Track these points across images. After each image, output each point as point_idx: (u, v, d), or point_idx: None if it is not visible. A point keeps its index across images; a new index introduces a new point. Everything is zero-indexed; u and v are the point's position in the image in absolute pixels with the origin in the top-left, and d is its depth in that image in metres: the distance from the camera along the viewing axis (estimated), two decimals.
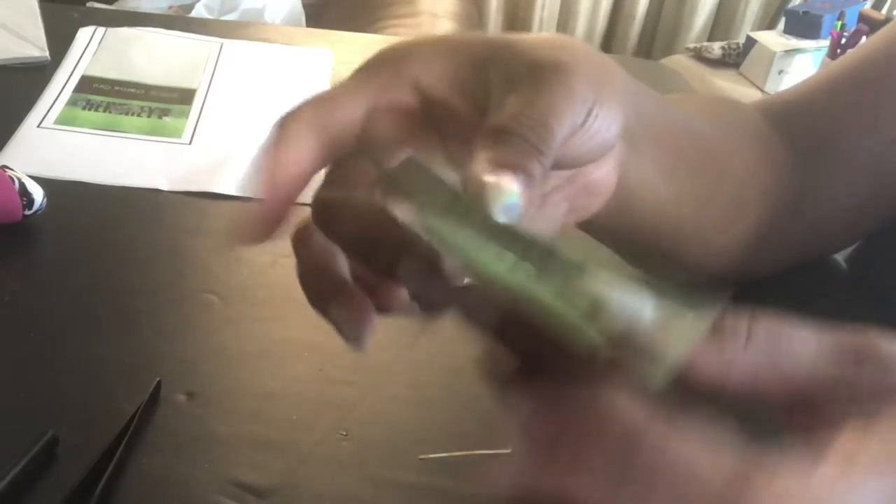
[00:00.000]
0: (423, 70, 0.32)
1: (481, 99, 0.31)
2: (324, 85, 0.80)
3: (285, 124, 0.30)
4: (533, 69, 0.30)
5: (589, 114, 0.31)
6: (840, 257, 0.65)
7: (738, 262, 0.53)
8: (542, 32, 2.40)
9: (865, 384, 0.26)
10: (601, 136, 0.32)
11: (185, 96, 0.76)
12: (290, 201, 0.31)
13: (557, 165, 0.31)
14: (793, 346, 0.26)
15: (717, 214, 0.49)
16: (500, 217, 0.25)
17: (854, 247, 0.66)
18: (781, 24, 2.28)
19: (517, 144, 0.27)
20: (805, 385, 0.26)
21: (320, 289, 0.34)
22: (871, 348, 0.27)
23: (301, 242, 0.34)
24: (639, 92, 0.39)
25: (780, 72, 2.15)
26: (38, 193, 0.56)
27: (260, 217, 0.32)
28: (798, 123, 0.55)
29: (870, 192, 0.55)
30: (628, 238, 0.44)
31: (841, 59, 0.57)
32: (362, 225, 0.30)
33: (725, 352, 0.25)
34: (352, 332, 0.33)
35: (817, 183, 0.55)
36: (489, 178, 0.26)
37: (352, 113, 0.31)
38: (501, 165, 0.26)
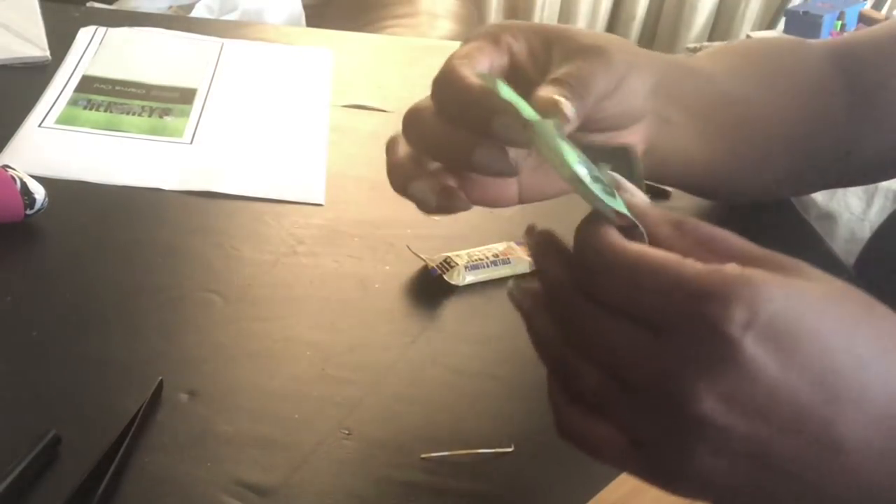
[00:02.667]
0: (514, 42, 0.44)
1: (544, 68, 0.43)
2: (324, 85, 0.80)
3: (450, 71, 0.41)
4: (581, 49, 0.42)
5: (620, 82, 0.42)
6: (842, 257, 0.65)
7: (776, 193, 0.62)
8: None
9: (776, 264, 0.32)
10: (629, 102, 0.44)
11: (185, 96, 0.76)
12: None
13: (593, 126, 0.43)
14: (729, 239, 0.34)
15: (745, 165, 0.55)
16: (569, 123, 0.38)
17: (861, 251, 0.66)
18: (781, 24, 2.28)
19: (567, 88, 0.39)
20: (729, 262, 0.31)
21: (402, 175, 0.43)
22: (790, 259, 0.33)
23: (391, 147, 0.45)
24: (670, 69, 0.48)
25: None
26: (39, 193, 0.56)
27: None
28: (858, 65, 0.59)
29: None
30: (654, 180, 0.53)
31: None
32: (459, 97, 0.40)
33: (680, 228, 0.34)
34: (429, 201, 0.42)
35: (864, 121, 0.58)
36: (554, 96, 0.38)
37: (483, 66, 0.42)
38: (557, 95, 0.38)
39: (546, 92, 0.39)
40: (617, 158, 0.38)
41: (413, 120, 0.44)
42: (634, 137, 0.47)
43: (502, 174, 0.40)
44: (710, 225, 0.34)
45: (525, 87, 0.41)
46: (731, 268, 0.30)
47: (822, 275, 0.32)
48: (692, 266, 0.30)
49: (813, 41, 0.61)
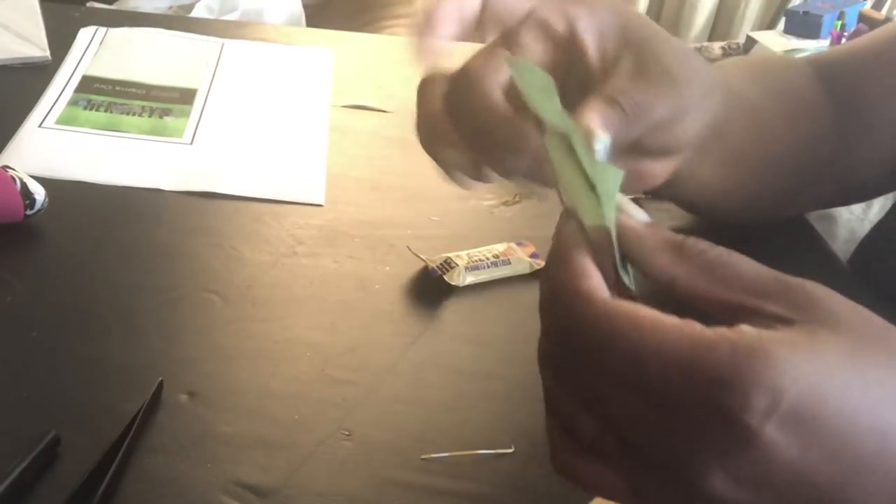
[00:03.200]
0: (583, 16, 0.40)
1: (610, 64, 0.41)
2: (324, 85, 0.80)
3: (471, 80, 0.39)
4: (656, 71, 0.40)
5: (678, 119, 0.41)
6: (842, 257, 0.65)
7: (768, 213, 0.61)
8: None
9: (791, 302, 0.29)
10: (676, 138, 0.43)
11: (185, 96, 0.76)
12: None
13: (622, 149, 0.40)
14: (737, 266, 0.31)
15: (757, 186, 0.55)
16: (596, 153, 0.35)
17: (856, 247, 0.66)
18: (781, 24, 2.28)
19: (619, 112, 0.38)
20: (736, 300, 0.29)
21: (435, 133, 0.41)
22: (805, 289, 0.29)
23: (425, 91, 0.43)
24: (724, 102, 0.46)
25: None
26: (39, 193, 0.56)
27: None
28: (841, 80, 0.58)
29: None
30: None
31: (890, 24, 0.60)
32: (485, 114, 0.38)
33: (681, 253, 0.31)
34: (458, 174, 0.41)
35: (853, 137, 0.58)
36: (596, 126, 0.36)
37: (518, 5, 0.40)
38: (606, 120, 0.37)
39: (594, 111, 0.37)
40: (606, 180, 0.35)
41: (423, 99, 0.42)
42: (663, 166, 0.45)
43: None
44: (714, 247, 0.31)
45: (578, 73, 0.40)
46: (748, 337, 0.27)
47: (845, 312, 0.29)
48: (702, 339, 0.27)
49: (798, 59, 0.62)
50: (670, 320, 0.28)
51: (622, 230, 0.31)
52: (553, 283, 0.30)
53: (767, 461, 0.27)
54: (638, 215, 0.33)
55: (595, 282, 0.29)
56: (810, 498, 0.28)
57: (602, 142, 0.35)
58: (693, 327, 0.28)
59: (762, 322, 0.28)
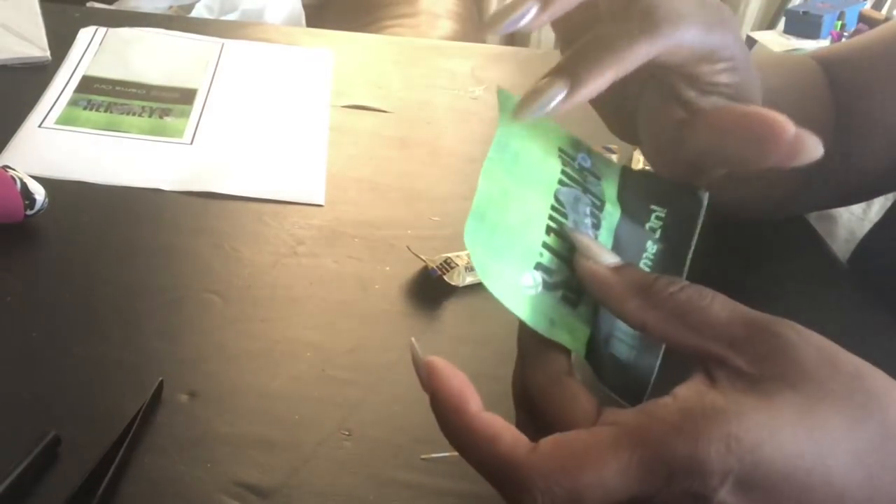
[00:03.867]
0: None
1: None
2: (324, 85, 0.80)
3: None
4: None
5: (735, 53, 0.36)
6: (842, 257, 0.65)
7: (774, 209, 0.60)
8: (541, 34, 2.40)
9: (756, 353, 0.29)
10: (746, 72, 0.38)
11: (186, 96, 0.76)
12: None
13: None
14: (707, 310, 0.30)
15: (753, 189, 0.54)
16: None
17: (855, 247, 0.66)
18: (781, 24, 2.28)
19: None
20: (704, 348, 0.30)
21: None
22: (773, 335, 0.29)
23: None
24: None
25: None
26: (39, 193, 0.56)
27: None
28: (842, 77, 0.58)
29: None
30: None
31: (890, 22, 0.60)
32: None
33: (650, 298, 0.30)
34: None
35: (853, 135, 0.58)
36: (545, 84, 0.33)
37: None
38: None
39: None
40: (678, 201, 0.34)
41: None
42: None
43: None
44: (684, 287, 0.31)
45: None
46: (700, 410, 0.28)
47: (811, 361, 0.29)
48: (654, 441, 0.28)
49: (800, 55, 0.62)
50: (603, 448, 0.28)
51: (589, 277, 0.32)
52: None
53: (765, 482, 0.27)
54: (606, 258, 0.33)
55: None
56: None
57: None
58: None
59: (728, 373, 0.29)
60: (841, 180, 0.60)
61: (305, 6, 1.56)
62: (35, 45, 0.79)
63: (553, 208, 0.33)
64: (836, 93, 0.58)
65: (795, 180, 0.57)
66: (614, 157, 0.68)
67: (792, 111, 0.52)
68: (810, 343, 0.30)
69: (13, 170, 0.57)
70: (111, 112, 0.72)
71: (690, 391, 0.29)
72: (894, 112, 0.57)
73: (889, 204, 0.66)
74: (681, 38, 0.33)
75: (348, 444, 0.45)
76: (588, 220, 0.34)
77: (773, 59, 0.61)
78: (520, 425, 0.32)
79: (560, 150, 0.35)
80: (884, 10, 2.32)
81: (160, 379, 0.46)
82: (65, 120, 0.70)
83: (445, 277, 0.56)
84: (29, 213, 0.56)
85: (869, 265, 0.64)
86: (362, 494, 0.43)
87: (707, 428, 0.27)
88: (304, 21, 1.54)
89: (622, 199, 0.35)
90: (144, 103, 0.74)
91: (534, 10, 0.34)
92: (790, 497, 0.28)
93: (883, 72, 0.58)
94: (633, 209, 0.35)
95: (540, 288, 0.32)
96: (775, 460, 0.28)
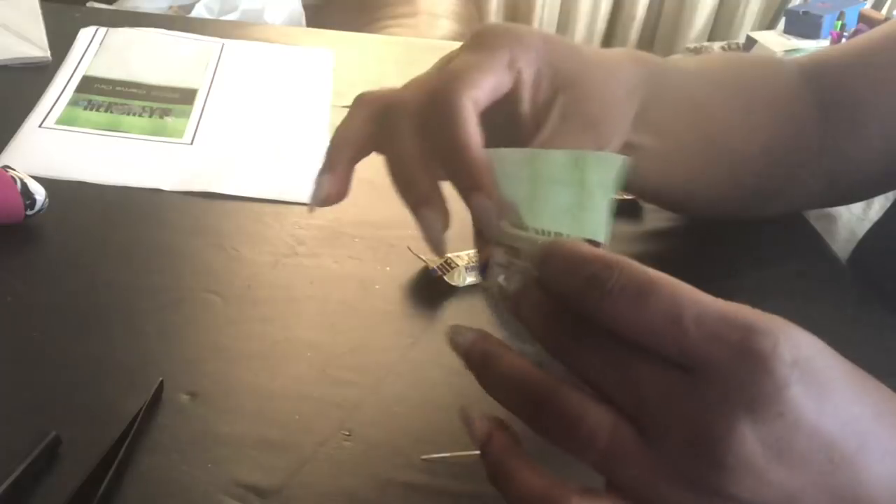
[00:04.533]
0: (525, 69, 0.41)
1: (541, 112, 0.42)
2: (324, 85, 0.80)
3: (456, 103, 0.38)
4: (579, 119, 0.41)
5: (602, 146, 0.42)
6: (842, 256, 0.65)
7: (747, 209, 0.60)
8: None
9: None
10: (615, 145, 0.43)
11: (186, 96, 0.76)
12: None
13: None
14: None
15: (717, 178, 0.55)
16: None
17: (855, 247, 0.66)
18: (781, 24, 2.28)
19: None
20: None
21: (415, 188, 0.39)
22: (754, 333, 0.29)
23: (392, 137, 0.41)
24: (652, 98, 0.46)
25: None
26: (39, 193, 0.56)
27: None
28: (829, 79, 0.59)
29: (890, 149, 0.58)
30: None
31: (881, 25, 0.61)
32: None
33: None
34: (436, 236, 0.39)
35: (840, 137, 0.58)
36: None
37: (485, 93, 0.39)
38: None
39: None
40: (604, 169, 0.35)
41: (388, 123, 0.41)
42: None
43: (433, 245, 0.39)
44: (682, 289, 0.29)
45: (513, 116, 0.41)
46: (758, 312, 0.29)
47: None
48: (725, 303, 0.29)
49: (784, 59, 0.62)
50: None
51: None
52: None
53: (793, 420, 0.27)
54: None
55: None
56: (829, 486, 0.28)
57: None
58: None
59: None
60: (832, 179, 0.60)
61: (305, 6, 1.56)
62: (35, 45, 0.79)
63: None
64: (821, 94, 0.58)
65: (768, 176, 0.58)
66: None
67: (735, 108, 0.55)
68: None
69: (13, 170, 0.57)
70: (111, 112, 0.72)
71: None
72: (888, 111, 0.57)
73: (889, 204, 0.66)
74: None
75: (348, 444, 0.45)
76: None
77: (725, 61, 0.61)
78: None
79: None
80: (884, 10, 2.32)
81: (160, 379, 0.46)
82: (65, 120, 0.70)
83: (445, 277, 0.56)
84: (29, 213, 0.56)
85: (869, 264, 0.64)
86: (362, 495, 0.43)
87: (779, 321, 0.29)
88: (304, 21, 1.54)
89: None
90: (145, 103, 0.74)
91: (325, 177, 0.41)
92: (845, 398, 0.29)
93: (873, 72, 0.58)
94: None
95: None
96: (832, 358, 0.29)
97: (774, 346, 0.27)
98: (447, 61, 0.43)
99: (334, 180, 0.41)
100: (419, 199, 0.39)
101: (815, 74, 0.59)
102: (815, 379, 0.28)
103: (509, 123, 0.42)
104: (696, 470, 0.28)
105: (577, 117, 0.41)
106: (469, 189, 0.37)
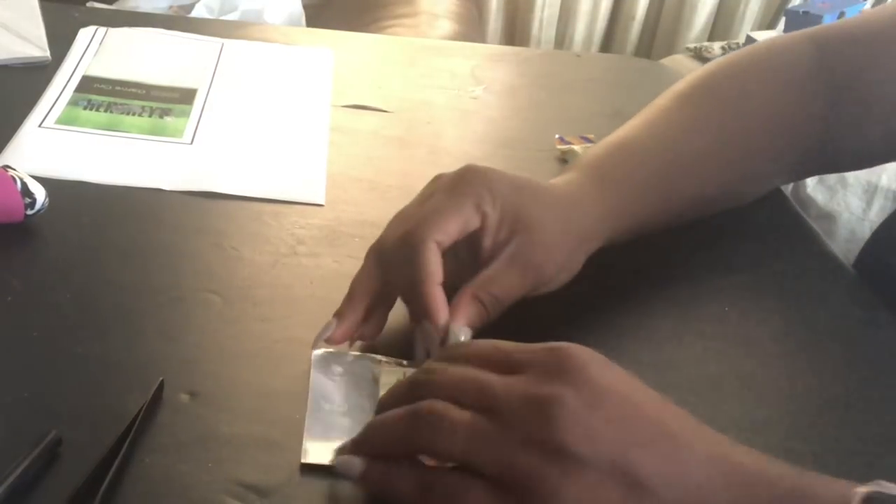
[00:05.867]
0: (490, 212, 0.48)
1: (498, 248, 0.49)
2: (324, 85, 0.80)
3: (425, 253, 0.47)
4: (528, 260, 0.49)
5: (539, 288, 0.50)
6: (842, 256, 0.65)
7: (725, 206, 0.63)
8: (542, 34, 2.40)
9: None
10: (560, 281, 0.52)
11: (185, 96, 0.76)
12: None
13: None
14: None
15: (681, 218, 0.61)
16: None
17: (861, 250, 0.66)
18: (781, 24, 2.28)
19: (480, 308, 0.48)
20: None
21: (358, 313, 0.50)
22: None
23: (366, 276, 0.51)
24: (614, 215, 0.55)
25: None
26: (39, 193, 0.56)
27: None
28: (836, 57, 0.60)
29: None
30: None
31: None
32: None
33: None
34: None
35: (847, 116, 0.60)
36: (459, 326, 0.47)
37: (453, 232, 0.48)
38: (468, 318, 0.47)
39: (460, 312, 0.47)
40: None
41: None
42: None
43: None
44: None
45: (478, 249, 0.49)
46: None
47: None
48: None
49: (794, 33, 0.62)
50: None
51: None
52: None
53: (600, 387, 0.37)
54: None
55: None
56: (654, 442, 0.36)
57: (462, 334, 0.46)
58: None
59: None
60: (852, 148, 0.62)
61: (305, 6, 1.56)
62: (35, 45, 0.79)
63: None
64: (834, 71, 0.59)
65: (756, 183, 0.63)
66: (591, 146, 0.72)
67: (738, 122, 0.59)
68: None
69: (13, 169, 0.57)
70: (111, 112, 0.72)
71: None
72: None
73: (890, 205, 0.66)
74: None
75: None
76: None
77: (722, 77, 0.62)
78: None
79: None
80: None
81: (161, 379, 0.46)
82: (65, 120, 0.70)
83: None
84: (29, 212, 0.56)
85: (875, 266, 0.64)
86: (362, 494, 0.43)
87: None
88: (304, 21, 1.54)
89: None
90: (144, 103, 0.74)
91: (334, 324, 0.48)
92: (641, 386, 0.39)
93: (888, 49, 0.59)
94: None
95: None
96: (617, 368, 0.39)
97: (569, 346, 0.38)
98: (428, 195, 0.50)
99: (343, 328, 0.48)
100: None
101: (825, 49, 0.60)
102: (606, 364, 0.38)
103: (474, 254, 0.49)
104: (538, 431, 0.35)
105: (522, 260, 0.49)
106: (420, 316, 0.47)
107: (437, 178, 0.51)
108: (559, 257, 0.51)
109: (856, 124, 0.60)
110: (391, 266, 0.49)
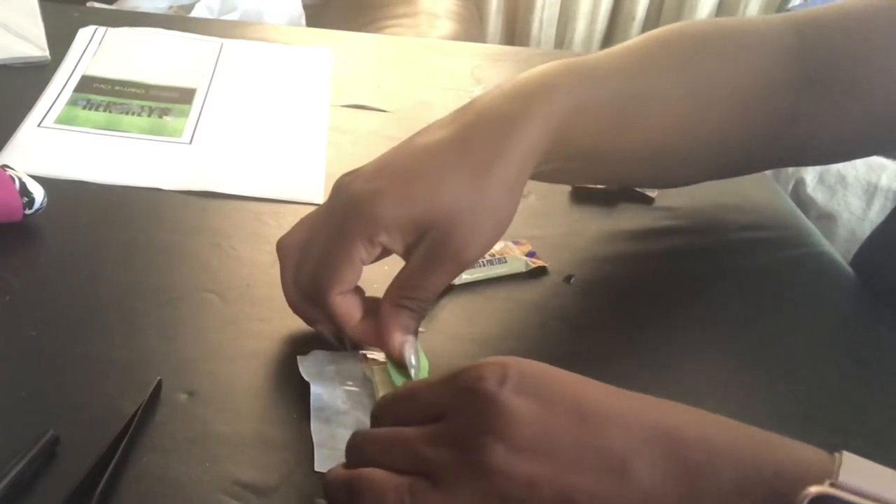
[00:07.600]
0: (388, 239, 0.46)
1: (411, 250, 0.47)
2: (324, 85, 0.80)
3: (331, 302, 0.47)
4: (442, 251, 0.46)
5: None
6: (842, 256, 0.65)
7: (702, 174, 0.62)
8: (542, 34, 2.40)
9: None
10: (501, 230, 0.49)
11: (185, 96, 0.76)
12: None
13: None
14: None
15: (657, 176, 0.60)
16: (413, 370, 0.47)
17: (859, 249, 0.66)
18: None
19: (410, 314, 0.48)
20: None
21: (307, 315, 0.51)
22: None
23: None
24: (559, 141, 0.50)
25: None
26: (38, 193, 0.56)
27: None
28: (822, 37, 0.57)
29: (879, 118, 0.58)
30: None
31: None
32: None
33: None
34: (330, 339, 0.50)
35: (827, 102, 0.57)
36: (409, 354, 0.47)
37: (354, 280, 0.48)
38: (407, 332, 0.48)
39: (396, 335, 0.47)
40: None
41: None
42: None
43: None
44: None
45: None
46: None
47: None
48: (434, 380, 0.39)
49: (776, 16, 0.60)
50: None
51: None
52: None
53: (519, 421, 0.34)
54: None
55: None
56: (586, 464, 0.34)
57: (412, 356, 0.46)
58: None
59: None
60: (830, 135, 0.59)
61: (305, 6, 1.56)
62: (34, 45, 0.79)
63: None
64: (807, 60, 0.57)
65: (729, 156, 0.59)
66: None
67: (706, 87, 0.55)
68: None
69: (12, 169, 0.57)
70: (110, 111, 0.72)
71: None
72: (883, 80, 0.56)
73: (890, 205, 0.66)
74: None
75: None
76: None
77: (691, 37, 0.58)
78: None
79: None
80: None
81: (159, 378, 0.46)
82: (64, 119, 0.70)
83: None
84: (28, 212, 0.56)
85: (873, 265, 0.64)
86: None
87: (482, 362, 0.37)
88: (304, 21, 1.54)
89: None
90: (144, 103, 0.74)
91: (326, 332, 0.49)
92: (566, 390, 0.36)
93: (873, 36, 0.57)
94: None
95: None
96: (546, 368, 0.37)
97: (478, 374, 0.36)
98: (319, 229, 0.49)
99: (331, 328, 0.49)
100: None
101: (808, 35, 0.57)
102: (529, 386, 0.35)
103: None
104: (474, 481, 0.34)
105: (437, 254, 0.46)
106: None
107: (336, 192, 0.49)
108: (479, 234, 0.47)
109: (836, 108, 0.57)
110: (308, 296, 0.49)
